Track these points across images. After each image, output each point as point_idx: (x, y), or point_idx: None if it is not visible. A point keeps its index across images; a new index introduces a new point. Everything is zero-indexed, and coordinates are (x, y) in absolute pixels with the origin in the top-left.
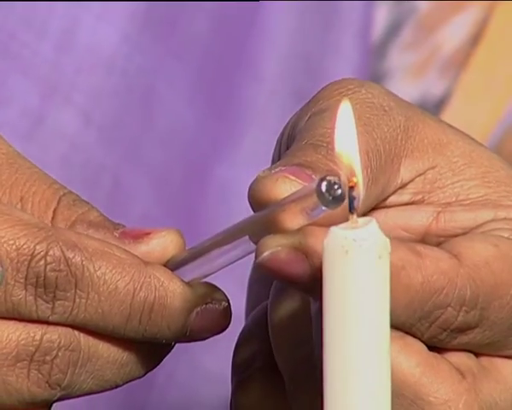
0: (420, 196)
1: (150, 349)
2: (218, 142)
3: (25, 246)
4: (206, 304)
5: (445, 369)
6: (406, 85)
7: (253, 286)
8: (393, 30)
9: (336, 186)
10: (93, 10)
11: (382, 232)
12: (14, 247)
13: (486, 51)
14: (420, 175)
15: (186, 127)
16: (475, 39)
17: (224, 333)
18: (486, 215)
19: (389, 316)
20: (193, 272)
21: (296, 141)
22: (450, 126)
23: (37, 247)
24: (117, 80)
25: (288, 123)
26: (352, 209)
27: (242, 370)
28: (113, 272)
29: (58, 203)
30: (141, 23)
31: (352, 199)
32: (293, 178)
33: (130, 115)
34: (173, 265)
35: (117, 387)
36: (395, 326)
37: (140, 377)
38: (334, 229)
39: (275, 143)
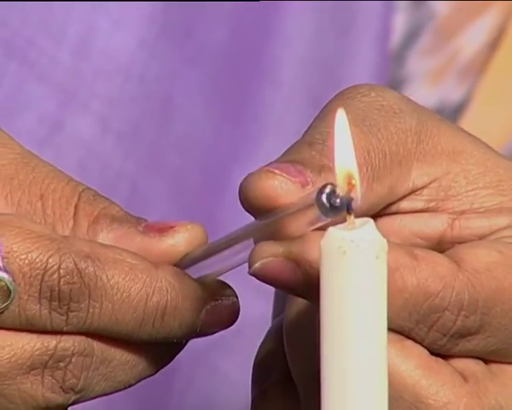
0: (434, 204)
1: (161, 349)
2: (236, 147)
3: (37, 260)
4: (216, 301)
5: (445, 372)
6: (424, 91)
7: (279, 292)
8: (412, 36)
9: (336, 196)
10: (110, 16)
11: (379, 233)
12: (26, 261)
13: (505, 57)
14: (434, 181)
15: (203, 133)
16: (494, 45)
17: (242, 339)
18: (501, 222)
19: (387, 316)
20: (203, 270)
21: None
22: (467, 134)
23: (50, 260)
24: (134, 87)
25: None
26: (349, 210)
27: (262, 381)
28: (126, 279)
29: (79, 199)
30: (158, 29)
31: (349, 200)
32: (278, 172)
33: (148, 121)
34: (186, 262)
35: (130, 386)
36: (395, 330)
37: (151, 376)
38: (331, 229)
39: None
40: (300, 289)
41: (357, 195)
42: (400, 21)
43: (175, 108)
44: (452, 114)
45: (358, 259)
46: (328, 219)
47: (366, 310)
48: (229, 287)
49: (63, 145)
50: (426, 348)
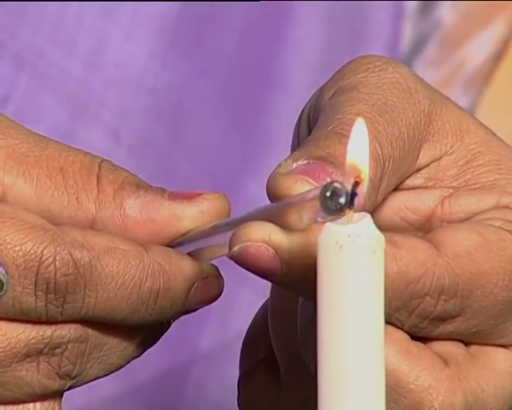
0: (432, 183)
1: (150, 329)
2: (246, 157)
3: (31, 251)
4: (203, 278)
5: (425, 357)
6: None
7: None
8: (418, 46)
9: (339, 196)
10: (121, 27)
11: (377, 228)
12: (20, 253)
13: (510, 67)
14: (435, 161)
15: (214, 143)
16: (499, 56)
17: None
18: (490, 201)
19: (384, 310)
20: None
21: (321, 123)
22: (470, 114)
23: (45, 251)
24: (145, 97)
25: (311, 98)
26: (350, 205)
27: (249, 359)
28: (120, 267)
29: (99, 169)
30: (168, 40)
31: (353, 195)
32: (312, 181)
33: (159, 132)
34: (186, 239)
35: (120, 368)
36: None
37: (138, 356)
38: (328, 224)
39: None
40: (279, 278)
41: (363, 191)
42: (407, 31)
43: (186, 119)
44: None
45: (355, 254)
46: (328, 218)
47: (363, 305)
48: (213, 264)
49: None
50: (406, 332)
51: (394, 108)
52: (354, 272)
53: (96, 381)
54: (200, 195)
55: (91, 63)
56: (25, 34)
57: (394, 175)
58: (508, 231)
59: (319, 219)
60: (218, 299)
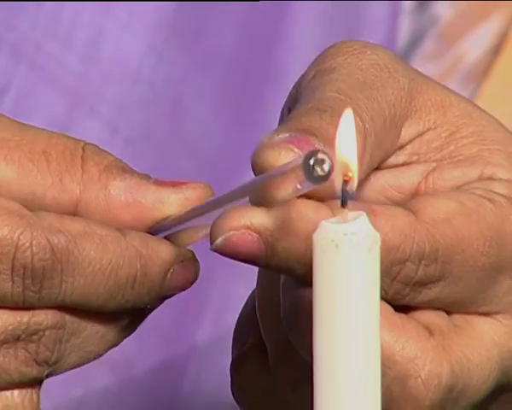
0: (416, 157)
1: (128, 317)
2: (245, 153)
3: (8, 237)
4: (180, 262)
5: (410, 328)
6: None
7: None
8: (415, 41)
9: (323, 163)
10: (119, 20)
11: (372, 226)
12: None
13: (507, 62)
14: (418, 136)
15: (213, 138)
16: (496, 50)
17: None
18: (473, 173)
19: (379, 308)
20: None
21: (302, 101)
22: (452, 90)
23: (22, 237)
24: (143, 91)
25: (294, 84)
26: (344, 203)
27: (241, 344)
28: (97, 252)
29: (83, 151)
30: (166, 33)
31: (344, 193)
32: (296, 150)
33: (157, 126)
34: (165, 224)
35: (99, 357)
36: None
37: (117, 345)
38: (324, 223)
39: None
40: (263, 260)
41: (354, 187)
42: (404, 26)
43: (184, 112)
44: None
45: (351, 252)
46: (312, 186)
47: (359, 303)
48: (189, 249)
49: None
50: (389, 300)
51: (373, 86)
52: (350, 270)
53: (94, 373)
54: (185, 183)
55: (89, 56)
56: (23, 26)
57: (377, 150)
58: (487, 199)
59: (303, 188)
60: (214, 293)
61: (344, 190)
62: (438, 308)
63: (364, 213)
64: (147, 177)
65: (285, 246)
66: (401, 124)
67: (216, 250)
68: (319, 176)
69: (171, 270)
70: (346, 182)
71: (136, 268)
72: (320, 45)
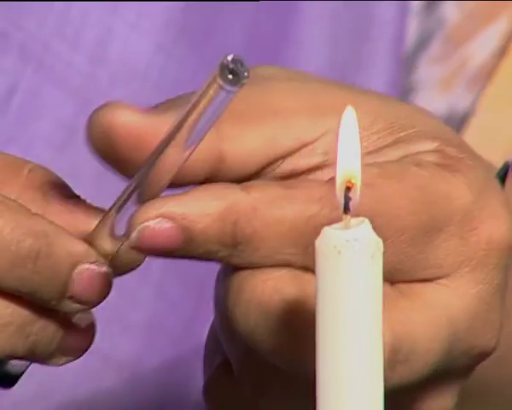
0: (331, 155)
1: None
2: None
3: None
4: (91, 264)
5: None
6: (434, 99)
7: None
8: (422, 42)
9: (239, 64)
10: (127, 20)
11: (374, 233)
12: None
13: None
14: (326, 134)
15: None
16: (501, 52)
17: None
18: (396, 154)
19: (381, 314)
20: None
21: None
22: (361, 89)
23: None
24: (151, 91)
25: None
26: (346, 210)
27: (207, 370)
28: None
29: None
30: (175, 33)
31: (347, 200)
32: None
33: None
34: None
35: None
36: (287, 265)
37: (21, 358)
38: (326, 229)
39: None
40: (183, 248)
41: (356, 195)
42: (412, 27)
43: None
44: (460, 121)
45: (353, 258)
46: (232, 91)
47: (361, 309)
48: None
49: (80, 150)
50: None
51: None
52: (353, 276)
53: (100, 374)
54: None
55: (97, 56)
56: (30, 26)
57: (252, 131)
58: (414, 164)
59: (224, 102)
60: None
61: (346, 197)
62: None
63: (367, 220)
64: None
65: (200, 227)
66: (288, 117)
67: (134, 247)
68: (235, 74)
69: (80, 267)
70: (348, 188)
71: (39, 245)
72: (328, 46)
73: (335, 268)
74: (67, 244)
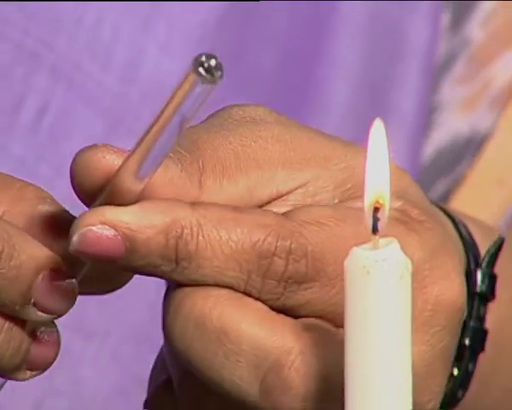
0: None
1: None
2: None
3: None
4: (54, 271)
5: (286, 322)
6: (457, 119)
7: None
8: (447, 63)
9: (212, 60)
10: (158, 40)
11: (403, 253)
12: None
13: None
14: (300, 187)
15: None
16: None
17: None
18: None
19: (411, 335)
20: None
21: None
22: (340, 141)
23: None
24: None
25: None
26: (374, 230)
27: (151, 386)
28: None
29: None
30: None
31: (375, 220)
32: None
33: None
34: None
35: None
36: (232, 287)
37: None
38: (355, 249)
39: None
40: (125, 258)
41: (384, 215)
42: (438, 47)
43: None
44: (481, 141)
45: (382, 279)
46: (206, 86)
47: (390, 330)
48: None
49: None
50: (264, 301)
51: (228, 130)
52: (381, 296)
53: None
54: None
55: (127, 76)
56: (61, 46)
57: (230, 182)
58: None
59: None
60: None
61: (374, 217)
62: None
63: (395, 240)
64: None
65: (143, 238)
66: (269, 169)
67: (76, 250)
68: (210, 69)
69: (45, 271)
70: (376, 209)
71: (2, 245)
72: (360, 66)
73: (364, 288)
74: (31, 247)
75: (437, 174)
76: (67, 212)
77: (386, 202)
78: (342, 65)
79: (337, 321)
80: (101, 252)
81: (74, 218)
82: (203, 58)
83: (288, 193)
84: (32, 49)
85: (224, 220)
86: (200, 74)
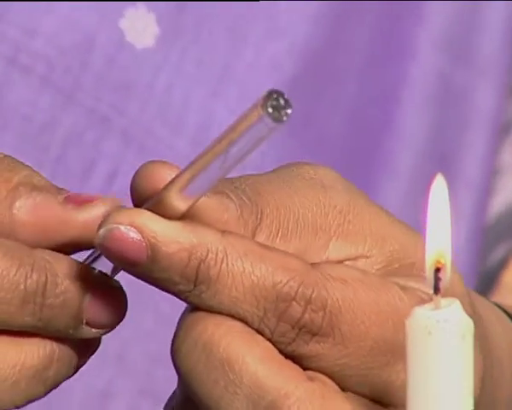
0: None
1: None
2: None
3: None
4: (101, 288)
5: (292, 368)
6: None
7: None
8: (507, 126)
9: (280, 98)
10: (229, 105)
11: (465, 314)
12: None
13: None
14: (350, 259)
15: None
16: None
17: None
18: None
19: (472, 395)
20: None
21: None
22: (398, 221)
23: None
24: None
25: None
26: (436, 290)
27: (170, 403)
28: (4, 260)
29: None
30: None
31: (437, 280)
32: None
33: None
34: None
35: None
36: (245, 320)
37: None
38: (417, 309)
39: None
40: (144, 264)
41: (446, 275)
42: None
43: None
44: None
45: (444, 339)
46: (272, 124)
47: (451, 389)
48: (115, 279)
49: None
50: (274, 342)
51: (294, 189)
52: (443, 357)
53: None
54: (90, 202)
55: (198, 140)
56: (133, 111)
57: (283, 241)
58: (400, 286)
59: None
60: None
61: (436, 277)
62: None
63: (457, 300)
64: (56, 193)
65: (168, 252)
66: (324, 236)
67: (100, 244)
68: (276, 108)
69: (91, 292)
70: (438, 269)
71: (45, 276)
72: (428, 134)
73: (426, 348)
74: (72, 268)
75: (496, 240)
76: (51, 195)
77: (448, 262)
78: (409, 132)
79: (343, 383)
80: (123, 253)
81: (58, 203)
82: (274, 95)
83: (337, 262)
84: (104, 114)
85: (250, 254)
86: (267, 110)
